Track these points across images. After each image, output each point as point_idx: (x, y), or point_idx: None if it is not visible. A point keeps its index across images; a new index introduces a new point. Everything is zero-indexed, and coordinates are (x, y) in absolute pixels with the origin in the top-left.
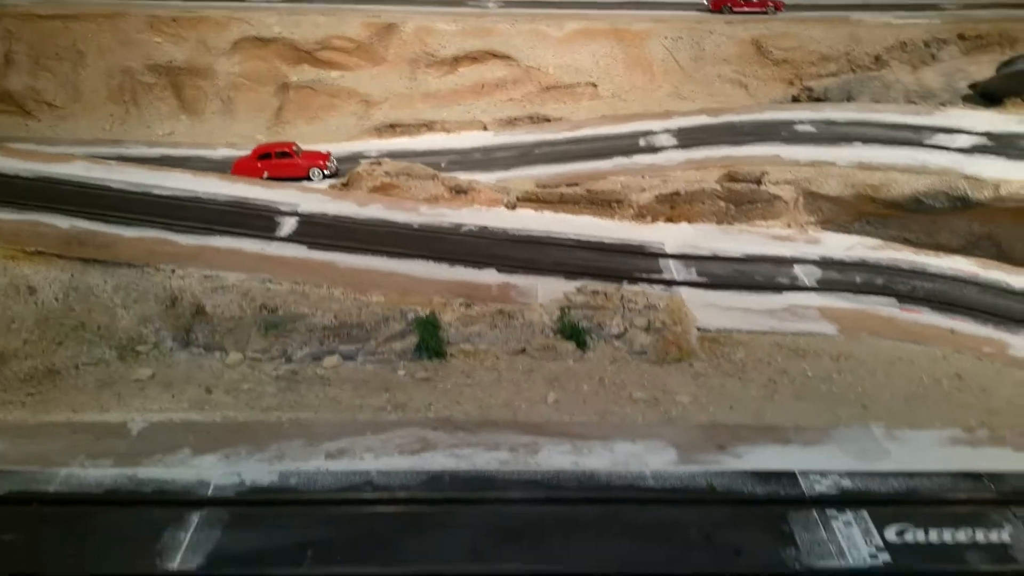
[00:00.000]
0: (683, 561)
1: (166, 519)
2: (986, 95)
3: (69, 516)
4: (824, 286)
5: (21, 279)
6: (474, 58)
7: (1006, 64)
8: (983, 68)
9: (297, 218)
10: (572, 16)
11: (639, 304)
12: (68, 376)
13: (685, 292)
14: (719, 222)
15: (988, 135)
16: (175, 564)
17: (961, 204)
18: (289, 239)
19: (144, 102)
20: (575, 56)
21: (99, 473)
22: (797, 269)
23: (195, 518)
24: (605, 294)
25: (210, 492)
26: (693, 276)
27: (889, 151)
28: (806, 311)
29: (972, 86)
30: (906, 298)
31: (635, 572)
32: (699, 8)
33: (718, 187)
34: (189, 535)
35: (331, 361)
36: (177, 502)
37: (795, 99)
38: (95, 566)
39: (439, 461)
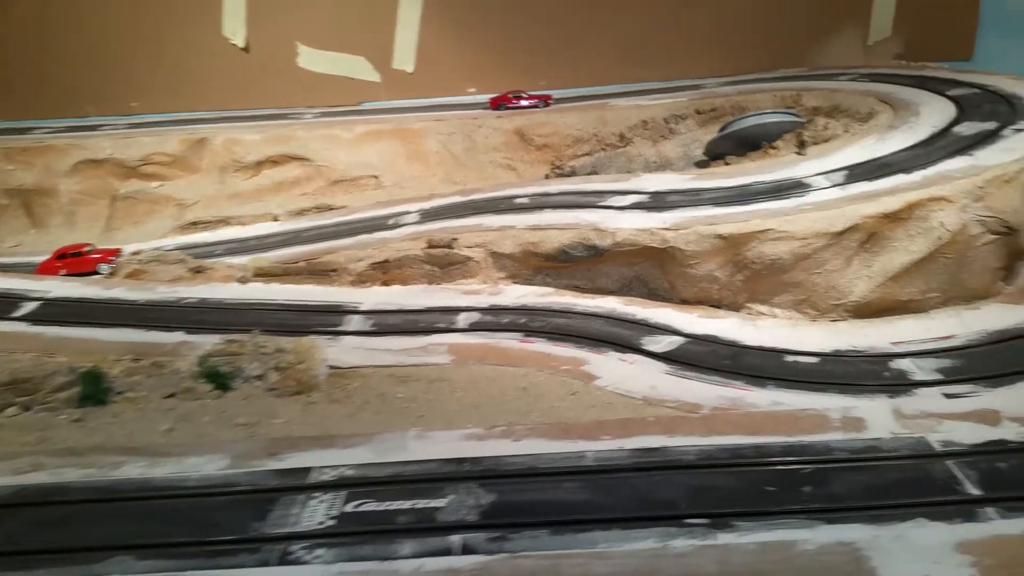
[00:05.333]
0: (185, 531)
1: None
2: (712, 157)
3: None
4: (471, 327)
5: None
6: (275, 161)
7: (720, 130)
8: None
9: (41, 302)
10: (363, 121)
11: (270, 349)
12: None
13: (352, 339)
14: (429, 283)
15: (652, 194)
16: None
17: (594, 252)
18: (21, 319)
19: None
20: (362, 154)
21: None
22: (460, 316)
23: None
24: (240, 343)
25: None
26: (367, 327)
27: (560, 214)
28: (437, 348)
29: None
30: (533, 332)
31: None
32: (481, 107)
33: (421, 253)
34: None
35: (11, 411)
36: None
37: (547, 177)
38: None
39: (40, 477)
